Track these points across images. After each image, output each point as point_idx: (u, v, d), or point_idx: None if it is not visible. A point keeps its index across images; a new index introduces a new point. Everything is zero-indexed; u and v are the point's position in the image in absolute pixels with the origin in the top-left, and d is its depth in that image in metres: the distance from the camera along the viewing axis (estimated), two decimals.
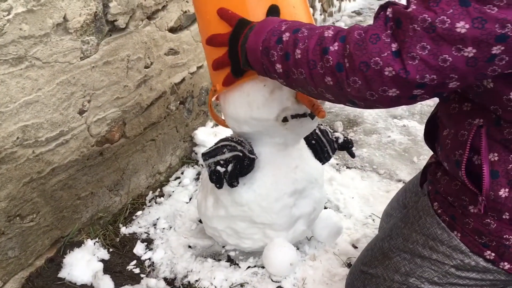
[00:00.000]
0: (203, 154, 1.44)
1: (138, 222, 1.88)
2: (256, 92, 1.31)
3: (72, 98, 1.50)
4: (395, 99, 0.84)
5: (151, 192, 2.05)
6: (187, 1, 1.97)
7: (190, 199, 2.02)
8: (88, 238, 1.72)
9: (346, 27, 0.90)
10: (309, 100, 1.28)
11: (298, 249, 1.71)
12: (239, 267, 1.65)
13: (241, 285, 1.57)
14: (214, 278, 1.59)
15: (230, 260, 1.69)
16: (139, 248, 1.74)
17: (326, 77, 0.89)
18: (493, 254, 0.99)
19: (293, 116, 1.35)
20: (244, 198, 1.45)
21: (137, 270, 1.66)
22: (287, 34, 0.97)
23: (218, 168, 1.39)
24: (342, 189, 2.08)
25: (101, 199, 1.77)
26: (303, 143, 1.59)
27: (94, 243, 1.71)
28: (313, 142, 1.61)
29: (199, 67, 2.17)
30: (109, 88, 1.64)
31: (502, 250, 0.97)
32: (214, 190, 1.52)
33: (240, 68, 1.16)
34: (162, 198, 2.03)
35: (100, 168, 1.72)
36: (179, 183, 2.14)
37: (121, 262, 1.69)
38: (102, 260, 1.67)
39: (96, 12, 1.49)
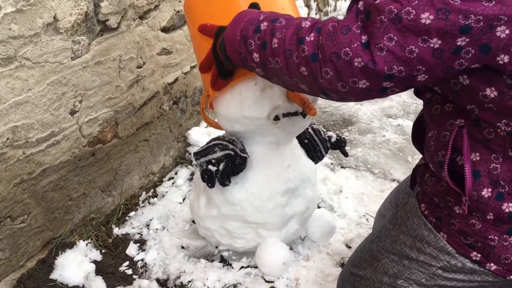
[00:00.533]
0: (194, 153, 1.44)
1: (131, 223, 1.87)
2: (247, 91, 1.31)
3: (63, 99, 1.49)
4: (365, 91, 0.85)
5: (144, 192, 2.04)
6: (179, 1, 1.96)
7: (183, 199, 2.02)
8: (80, 239, 1.71)
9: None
10: (300, 98, 1.27)
11: (291, 249, 1.70)
12: (232, 267, 1.64)
13: (234, 285, 1.57)
14: (207, 279, 1.58)
15: (223, 261, 1.68)
16: (131, 249, 1.73)
17: (301, 67, 0.89)
18: (479, 255, 0.98)
19: (285, 115, 1.35)
20: (236, 197, 1.45)
21: (129, 271, 1.65)
22: (265, 23, 0.97)
23: (210, 167, 1.38)
24: (336, 189, 2.08)
25: (94, 200, 1.76)
26: (295, 142, 1.59)
27: (87, 244, 1.70)
28: (306, 141, 1.60)
29: (192, 67, 2.17)
30: (101, 88, 1.63)
31: (487, 251, 0.97)
32: (207, 189, 1.51)
33: (225, 68, 1.16)
34: (155, 198, 2.03)
35: (92, 169, 1.71)
36: (173, 183, 2.14)
37: (114, 263, 1.68)
38: (95, 261, 1.66)
39: (87, 11, 1.49)
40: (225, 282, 1.58)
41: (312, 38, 0.86)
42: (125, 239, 1.79)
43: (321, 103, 3.01)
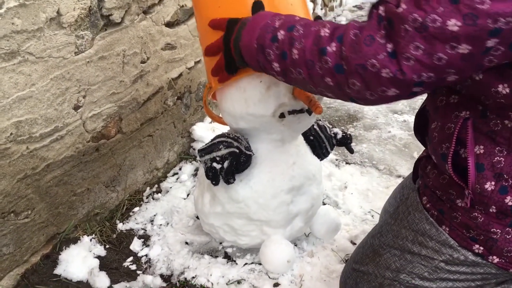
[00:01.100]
0: (199, 151, 1.43)
1: (135, 218, 1.87)
2: (252, 88, 1.29)
3: (66, 94, 1.48)
4: (395, 98, 0.84)
5: (148, 188, 2.04)
6: None
7: (187, 195, 2.01)
8: (84, 235, 1.71)
9: (342, 23, 0.89)
10: (306, 96, 1.26)
11: (296, 245, 1.70)
12: (236, 263, 1.64)
13: (238, 281, 1.56)
14: (211, 275, 1.58)
15: (227, 257, 1.68)
16: (135, 245, 1.73)
17: (326, 77, 0.88)
18: (481, 248, 0.98)
19: (290, 112, 1.33)
20: (241, 195, 1.44)
21: (133, 267, 1.65)
22: (282, 32, 0.95)
23: (214, 164, 1.37)
24: (341, 185, 2.07)
25: (98, 195, 1.76)
26: (301, 139, 1.57)
27: (91, 240, 1.70)
28: (311, 138, 1.59)
29: (196, 62, 2.16)
30: (104, 84, 1.62)
31: (490, 244, 0.96)
32: (211, 186, 1.50)
33: (234, 65, 1.15)
34: (159, 194, 2.02)
35: (96, 164, 1.70)
36: (177, 179, 2.13)
37: (118, 258, 1.68)
38: (98, 257, 1.66)
39: (90, 6, 1.47)
40: (229, 278, 1.57)
41: (334, 49, 0.85)
42: (129, 235, 1.79)
43: (326, 99, 2.99)
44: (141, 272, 1.63)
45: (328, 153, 1.64)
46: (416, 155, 2.33)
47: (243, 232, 1.54)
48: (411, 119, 2.70)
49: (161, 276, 1.61)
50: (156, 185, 2.09)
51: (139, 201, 1.96)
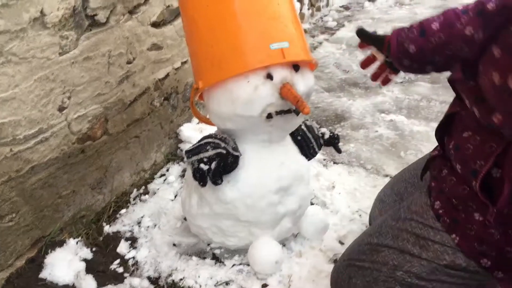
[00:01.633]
0: (186, 152, 1.42)
1: (122, 221, 1.85)
2: (239, 88, 1.29)
3: (51, 95, 1.46)
4: None
5: (135, 189, 2.02)
6: None
7: (175, 196, 2.00)
8: (70, 237, 1.68)
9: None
10: (293, 96, 1.26)
11: (284, 245, 1.69)
12: (224, 265, 1.63)
13: (226, 283, 1.55)
14: (199, 277, 1.57)
15: (215, 258, 1.67)
16: (122, 247, 1.71)
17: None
18: (489, 263, 0.97)
19: (278, 112, 1.33)
20: (229, 196, 1.43)
21: (120, 270, 1.63)
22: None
23: (202, 165, 1.36)
24: (328, 185, 2.07)
25: (84, 198, 1.74)
26: (288, 139, 1.57)
27: (77, 242, 1.68)
28: (299, 138, 1.59)
29: (183, 63, 2.14)
30: (90, 84, 1.60)
31: (499, 260, 0.96)
32: (198, 188, 1.49)
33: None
34: (146, 195, 2.01)
35: (82, 166, 1.68)
36: (164, 180, 2.12)
37: (104, 261, 1.66)
38: (85, 260, 1.63)
39: (75, 6, 1.45)
40: (217, 279, 1.56)
41: None
42: (116, 237, 1.77)
43: (314, 99, 3.00)
44: (128, 274, 1.61)
45: (316, 153, 1.64)
46: (403, 155, 2.34)
47: (231, 233, 1.53)
48: (398, 118, 2.72)
49: (149, 278, 1.59)
50: (143, 187, 2.07)
51: (126, 203, 1.94)
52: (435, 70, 1.14)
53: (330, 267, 1.59)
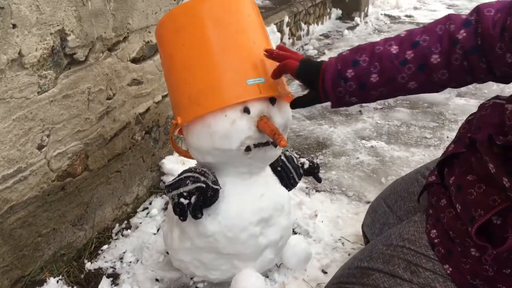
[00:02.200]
0: (166, 186, 1.42)
1: (104, 257, 1.83)
2: (217, 123, 1.31)
3: (30, 134, 1.47)
4: None
5: (117, 224, 2.01)
6: (149, 32, 1.96)
7: (157, 230, 1.99)
8: (51, 276, 1.66)
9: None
10: (270, 129, 1.28)
11: (267, 277, 1.69)
12: None
13: None
14: None
15: None
16: (104, 284, 1.69)
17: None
18: None
19: (256, 145, 1.35)
20: (209, 229, 1.43)
21: None
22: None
23: (182, 200, 1.37)
24: (311, 213, 2.08)
25: (64, 235, 1.72)
26: (268, 170, 1.59)
27: (57, 281, 1.66)
28: (279, 169, 1.61)
29: (164, 96, 2.16)
30: (69, 122, 1.61)
31: None
32: (180, 222, 1.49)
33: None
34: (129, 230, 1.99)
35: (62, 203, 1.67)
36: (147, 214, 2.11)
37: None
38: None
39: (53, 46, 1.47)
40: None
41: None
42: (98, 274, 1.75)
43: (296, 127, 3.03)
44: None
45: (296, 183, 1.66)
46: (384, 181, 2.37)
47: (213, 267, 1.53)
48: (378, 144, 2.76)
49: None
50: (125, 221, 2.06)
51: (108, 239, 1.93)
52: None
53: None
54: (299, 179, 1.66)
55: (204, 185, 1.36)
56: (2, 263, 1.49)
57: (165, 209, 2.13)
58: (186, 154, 1.60)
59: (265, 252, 1.56)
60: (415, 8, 7.39)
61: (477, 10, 1.01)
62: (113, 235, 1.96)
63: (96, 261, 1.81)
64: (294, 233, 1.92)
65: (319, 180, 1.72)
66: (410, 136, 2.89)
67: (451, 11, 7.15)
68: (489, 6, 0.99)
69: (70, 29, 1.53)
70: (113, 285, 1.70)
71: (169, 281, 1.70)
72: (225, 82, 1.29)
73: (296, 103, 1.32)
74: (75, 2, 1.53)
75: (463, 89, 3.67)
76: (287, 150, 1.66)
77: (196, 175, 1.39)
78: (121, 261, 1.81)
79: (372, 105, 3.40)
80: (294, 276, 1.70)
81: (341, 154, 2.67)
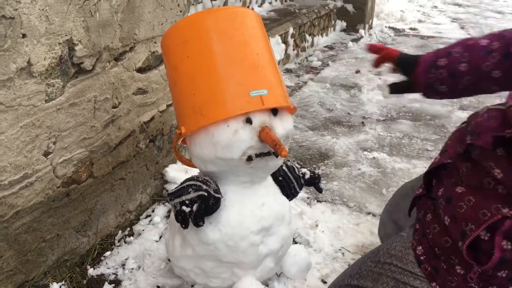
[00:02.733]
0: (168, 194, 1.45)
1: (106, 263, 1.85)
2: (220, 132, 1.34)
3: (36, 141, 1.50)
4: None
5: (120, 231, 2.03)
6: (155, 42, 2.00)
7: (160, 237, 2.01)
8: (54, 281, 1.68)
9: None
10: (272, 140, 1.31)
11: (267, 285, 1.71)
12: None
13: None
14: None
15: None
16: None
17: None
18: None
19: (257, 155, 1.37)
20: (210, 237, 1.45)
21: None
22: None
23: (184, 208, 1.39)
24: (312, 223, 2.10)
25: (68, 241, 1.75)
26: (270, 179, 1.61)
27: (60, 286, 1.68)
28: (280, 178, 1.63)
29: (168, 105, 2.20)
30: (75, 129, 1.65)
31: None
32: (181, 229, 1.51)
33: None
34: (131, 237, 2.01)
35: (67, 209, 1.70)
36: (150, 221, 2.13)
37: None
38: None
39: (61, 55, 1.51)
40: None
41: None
42: (100, 280, 1.77)
43: (298, 137, 3.06)
44: None
45: (297, 193, 1.68)
46: (385, 192, 2.39)
47: (214, 275, 1.55)
48: (380, 156, 2.78)
49: None
50: (128, 228, 2.08)
51: (110, 245, 1.95)
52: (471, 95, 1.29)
53: None
54: (300, 189, 1.68)
55: (206, 194, 1.39)
56: (7, 267, 1.51)
57: (167, 216, 2.15)
58: (189, 163, 1.63)
59: (265, 261, 1.58)
60: (420, 21, 7.44)
61: None
62: (116, 241, 1.98)
63: (98, 267, 1.83)
64: (295, 242, 1.94)
65: (320, 190, 1.74)
66: (412, 148, 2.91)
67: (456, 25, 7.19)
68: None
69: (78, 39, 1.57)
70: None
71: None
72: (229, 93, 1.32)
73: (392, 88, 1.41)
74: (84, 13, 1.57)
75: (465, 102, 3.70)
76: (289, 160, 1.68)
77: (198, 183, 1.42)
78: (123, 268, 1.83)
79: (375, 116, 3.43)
80: (294, 286, 1.72)
81: (343, 165, 2.69)
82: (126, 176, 2.00)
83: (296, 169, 1.67)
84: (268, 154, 1.39)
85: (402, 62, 1.35)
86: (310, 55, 5.14)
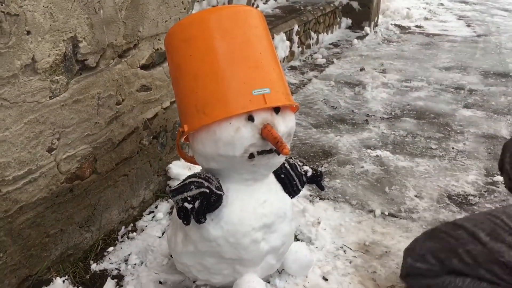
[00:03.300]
0: (171, 191, 1.46)
1: (110, 258, 1.87)
2: (222, 130, 1.35)
3: (40, 137, 1.51)
4: None
5: (123, 227, 2.05)
6: (159, 39, 2.01)
7: (162, 233, 2.03)
8: (57, 276, 1.70)
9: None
10: (273, 137, 1.31)
11: (269, 282, 1.71)
12: None
13: None
14: None
15: None
16: (109, 285, 1.72)
17: None
18: None
19: (259, 153, 1.38)
20: (212, 234, 1.46)
21: None
22: None
23: (186, 204, 1.40)
24: (314, 221, 2.10)
25: (71, 236, 1.76)
26: (272, 177, 1.62)
27: (63, 281, 1.70)
28: (282, 176, 1.63)
29: (172, 102, 2.21)
30: (79, 126, 1.66)
31: None
32: (183, 226, 1.52)
33: None
34: (134, 233, 2.03)
35: (70, 205, 1.72)
36: (153, 217, 2.15)
37: None
38: None
39: (65, 52, 1.52)
40: None
41: None
42: (103, 275, 1.79)
43: (302, 135, 3.06)
44: None
45: (299, 190, 1.69)
46: (388, 190, 2.39)
47: (215, 271, 1.56)
48: (383, 154, 2.78)
49: None
50: (131, 224, 2.10)
51: (113, 241, 1.97)
52: None
53: None
54: (302, 187, 1.68)
55: (207, 191, 1.40)
56: (11, 261, 1.53)
57: (170, 213, 2.17)
58: (191, 160, 1.64)
59: (267, 258, 1.59)
60: (426, 19, 7.41)
61: None
62: (119, 237, 2.00)
63: (101, 263, 1.84)
64: (297, 239, 1.94)
65: (322, 188, 1.74)
66: (415, 146, 2.91)
67: (462, 23, 7.16)
68: None
69: (82, 36, 1.58)
70: (118, 287, 1.73)
71: (172, 284, 1.74)
72: (231, 92, 1.32)
73: None
74: (88, 10, 1.58)
75: (470, 100, 3.69)
76: (291, 158, 1.69)
77: (200, 180, 1.43)
78: (126, 263, 1.85)
79: (379, 114, 3.43)
80: (295, 283, 1.73)
81: (346, 162, 2.69)
82: (129, 173, 2.02)
83: (299, 167, 1.68)
84: (270, 151, 1.40)
85: None
86: (315, 53, 5.13)
